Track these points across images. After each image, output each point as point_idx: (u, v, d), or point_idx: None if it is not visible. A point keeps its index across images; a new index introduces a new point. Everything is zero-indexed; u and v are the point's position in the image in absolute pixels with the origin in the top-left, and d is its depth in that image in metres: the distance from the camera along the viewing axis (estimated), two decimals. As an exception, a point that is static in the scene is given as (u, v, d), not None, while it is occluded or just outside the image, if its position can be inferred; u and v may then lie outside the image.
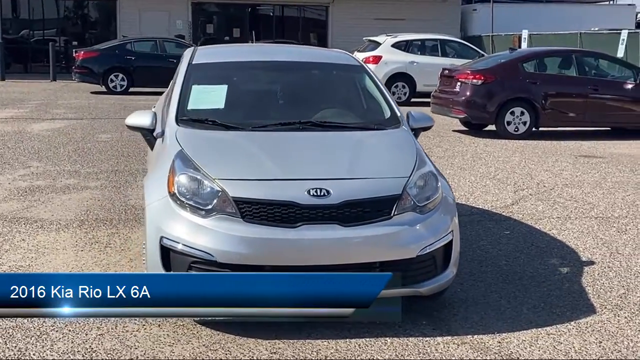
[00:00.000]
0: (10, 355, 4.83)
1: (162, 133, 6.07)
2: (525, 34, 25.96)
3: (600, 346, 5.10)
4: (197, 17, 34.47)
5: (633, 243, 7.57)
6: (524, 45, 25.86)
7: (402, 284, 5.15)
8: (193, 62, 6.59)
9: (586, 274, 6.56)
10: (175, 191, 5.19)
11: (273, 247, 4.97)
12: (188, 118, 5.97)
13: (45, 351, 4.90)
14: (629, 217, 8.69)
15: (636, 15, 39.39)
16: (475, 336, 5.18)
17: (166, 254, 5.16)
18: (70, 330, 5.20)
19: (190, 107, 6.10)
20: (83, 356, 4.85)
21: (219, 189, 5.09)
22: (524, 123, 15.06)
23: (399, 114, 6.27)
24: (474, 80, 15.21)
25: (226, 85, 6.37)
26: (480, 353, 4.92)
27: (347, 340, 5.07)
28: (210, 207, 5.07)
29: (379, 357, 4.85)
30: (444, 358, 4.86)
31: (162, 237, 5.15)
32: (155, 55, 24.33)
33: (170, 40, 25.44)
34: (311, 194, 5.05)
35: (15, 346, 4.96)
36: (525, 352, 4.96)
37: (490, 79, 15.18)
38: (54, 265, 6.61)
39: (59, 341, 5.04)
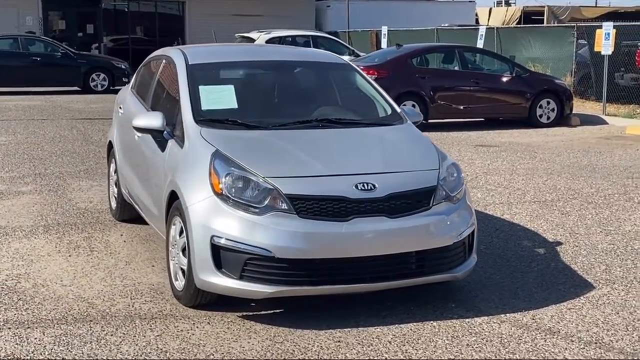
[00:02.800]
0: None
1: (172, 134, 6.08)
2: (384, 30, 26.79)
3: (619, 316, 5.58)
4: (48, 13, 33.29)
5: (581, 224, 8.20)
6: (384, 41, 26.71)
7: (443, 270, 5.49)
8: (190, 63, 6.60)
9: (562, 253, 7.08)
10: (225, 191, 5.26)
11: (328, 241, 5.16)
12: (206, 118, 6.01)
13: (116, 354, 4.87)
14: (562, 200, 9.35)
15: (489, 11, 41.40)
16: (509, 315, 5.54)
17: (217, 252, 5.23)
18: (124, 334, 5.17)
19: (204, 107, 6.13)
20: (157, 356, 4.85)
21: (270, 186, 5.22)
22: (416, 116, 15.65)
23: (399, 110, 6.57)
24: (368, 76, 15.64)
25: (232, 85, 6.44)
26: (525, 330, 5.29)
27: (398, 326, 5.31)
28: (264, 205, 5.18)
29: (437, 339, 5.12)
30: (496, 336, 5.18)
31: (213, 236, 5.22)
32: (15, 53, 23.41)
33: (35, 38, 24.52)
34: (359, 188, 5.26)
35: (82, 352, 4.90)
36: (561, 326, 5.36)
37: (384, 74, 15.71)
38: (54, 271, 6.47)
39: (121, 344, 5.01)
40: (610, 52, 18.35)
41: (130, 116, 7.38)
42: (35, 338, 5.10)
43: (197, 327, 5.30)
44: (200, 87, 6.29)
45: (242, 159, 5.43)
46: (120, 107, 7.97)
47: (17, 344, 5.01)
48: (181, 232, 5.64)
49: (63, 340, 5.07)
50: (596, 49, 19.31)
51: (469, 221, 5.68)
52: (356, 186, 5.27)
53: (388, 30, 26.69)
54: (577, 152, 13.31)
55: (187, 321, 5.39)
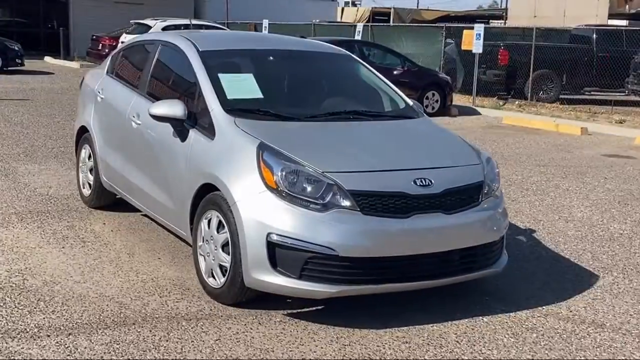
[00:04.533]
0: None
1: (194, 124, 5.20)
2: (265, 23, 25.91)
3: (645, 303, 5.22)
4: None
5: (536, 210, 7.86)
6: (265, 30, 25.83)
7: (488, 265, 4.95)
8: (201, 50, 5.69)
9: (542, 241, 6.68)
10: (280, 186, 4.47)
11: (391, 238, 4.48)
12: (235, 108, 5.16)
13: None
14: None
15: (342, 10, 41.12)
16: (546, 307, 5.06)
17: (272, 249, 4.45)
18: (179, 339, 4.30)
19: (230, 96, 5.26)
20: (233, 366, 4.04)
21: (330, 182, 4.47)
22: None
23: (411, 103, 5.94)
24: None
25: (251, 74, 5.58)
26: (571, 322, 4.82)
27: (453, 323, 4.72)
28: (326, 200, 4.43)
29: (500, 337, 4.56)
30: (553, 331, 4.69)
31: (269, 233, 4.42)
32: None
33: None
34: (417, 183, 4.61)
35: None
36: (602, 318, 4.93)
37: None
38: (56, 265, 5.45)
39: (184, 351, 4.14)
40: (481, 51, 18.38)
41: (118, 102, 6.39)
42: (85, 347, 4.15)
43: (252, 328, 4.50)
44: (220, 75, 5.40)
45: (292, 151, 4.64)
46: (99, 92, 6.87)
47: (67, 355, 4.05)
48: (218, 227, 4.79)
49: (117, 348, 4.15)
50: (464, 47, 19.35)
51: (507, 216, 5.16)
52: (414, 182, 4.60)
53: (269, 23, 25.78)
54: (475, 141, 13.08)
55: (236, 322, 4.57)
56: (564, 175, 9.95)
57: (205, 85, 5.29)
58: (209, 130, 5.07)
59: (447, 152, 5.16)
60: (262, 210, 4.47)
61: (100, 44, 22.86)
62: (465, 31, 19.55)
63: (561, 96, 19.56)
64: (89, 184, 7.05)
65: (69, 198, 7.48)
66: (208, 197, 4.89)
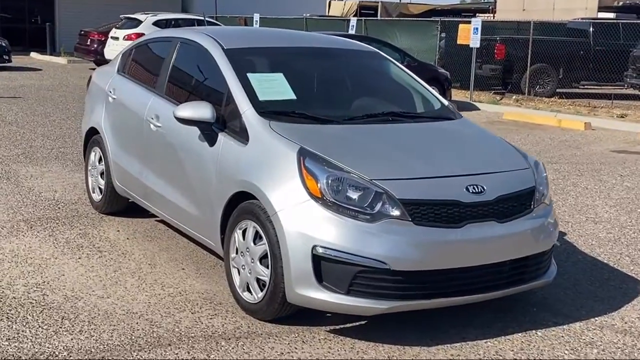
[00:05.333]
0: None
1: (224, 127, 4.88)
2: (256, 17, 25.52)
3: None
4: None
5: (561, 211, 7.58)
6: (256, 25, 25.44)
7: (539, 276, 4.66)
8: (226, 48, 5.35)
9: (588, 249, 6.33)
10: (326, 195, 4.15)
11: (445, 250, 4.18)
12: (267, 111, 4.83)
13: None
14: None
15: (329, 4, 40.69)
16: (599, 318, 4.79)
17: (318, 263, 4.13)
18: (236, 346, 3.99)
19: (261, 98, 4.93)
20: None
21: (380, 190, 4.16)
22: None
23: (446, 103, 5.63)
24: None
25: (281, 73, 5.24)
26: (629, 336, 4.54)
27: (505, 337, 4.44)
28: (375, 210, 4.12)
29: (559, 352, 4.28)
30: (613, 345, 4.41)
31: (315, 246, 4.11)
32: None
33: None
34: (470, 190, 4.31)
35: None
36: (657, 330, 4.67)
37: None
38: (75, 278, 5.11)
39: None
40: (478, 45, 18.13)
41: (133, 103, 6.05)
42: (124, 373, 3.80)
43: (296, 348, 4.19)
44: (249, 75, 5.06)
45: (335, 157, 4.32)
46: (110, 92, 6.51)
47: (104, 382, 3.70)
48: (255, 238, 4.47)
49: (157, 374, 3.80)
50: (459, 41, 19.09)
51: (558, 223, 4.88)
52: (467, 188, 4.30)
53: (260, 17, 25.39)
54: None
55: (279, 341, 4.26)
56: (579, 172, 9.70)
57: (234, 86, 4.96)
58: (241, 135, 4.74)
59: (495, 156, 4.86)
60: (306, 221, 4.15)
61: (89, 39, 22.37)
62: (461, 25, 19.30)
63: (558, 90, 19.35)
64: (100, 188, 6.70)
65: (77, 203, 7.12)
66: (243, 206, 4.57)
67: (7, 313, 4.48)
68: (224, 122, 4.92)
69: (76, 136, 10.79)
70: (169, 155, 5.47)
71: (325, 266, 4.11)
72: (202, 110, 4.88)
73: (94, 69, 22.10)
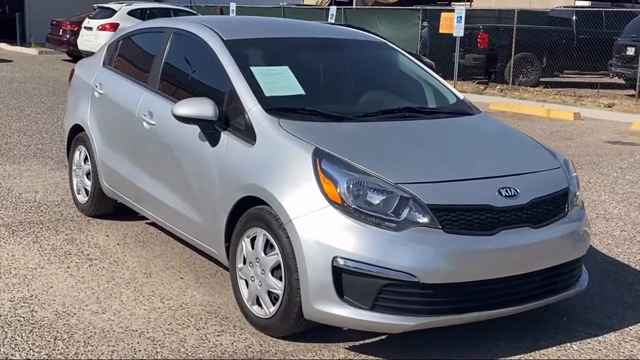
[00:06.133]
0: None
1: (226, 125, 4.48)
2: (233, 5, 24.98)
3: None
4: None
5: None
6: (232, 14, 24.91)
7: (573, 284, 4.33)
8: (226, 39, 4.94)
9: (605, 249, 6.01)
10: (348, 201, 3.78)
11: (478, 260, 3.83)
12: (274, 107, 4.43)
13: None
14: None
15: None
16: (633, 328, 4.47)
17: (339, 276, 3.76)
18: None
19: (267, 93, 4.53)
20: None
21: (406, 195, 3.79)
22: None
23: (461, 97, 5.27)
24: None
25: (287, 67, 4.84)
26: (669, 348, 4.23)
27: (540, 352, 4.10)
28: (402, 217, 3.75)
29: (595, 368, 3.96)
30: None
31: (335, 257, 3.73)
32: None
33: None
34: (503, 194, 3.95)
35: None
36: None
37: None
38: (65, 291, 4.69)
39: None
40: (462, 34, 17.83)
41: (122, 99, 5.63)
42: (127, 403, 3.40)
43: (318, 369, 3.80)
44: (253, 69, 4.66)
45: (355, 159, 3.94)
46: (96, 87, 6.07)
47: (107, 415, 3.30)
48: (265, 248, 4.08)
49: (166, 403, 3.41)
50: (442, 30, 18.78)
51: (590, 226, 4.55)
52: (499, 192, 3.94)
53: (236, 6, 24.85)
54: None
55: (296, 360, 3.87)
56: (579, 165, 9.41)
57: (237, 81, 4.56)
58: (247, 134, 4.34)
59: (524, 155, 4.51)
60: (326, 230, 3.77)
61: (61, 30, 21.72)
62: (443, 14, 19.00)
63: (541, 80, 19.12)
64: (86, 189, 6.26)
65: (60, 205, 6.67)
66: (251, 212, 4.18)
67: (-7, 334, 4.05)
68: (226, 120, 4.53)
69: (54, 132, 10.30)
70: (164, 155, 5.05)
71: (346, 279, 3.74)
72: (203, 108, 4.47)
73: (66, 60, 21.58)
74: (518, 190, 3.99)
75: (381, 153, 4.11)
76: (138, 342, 4.01)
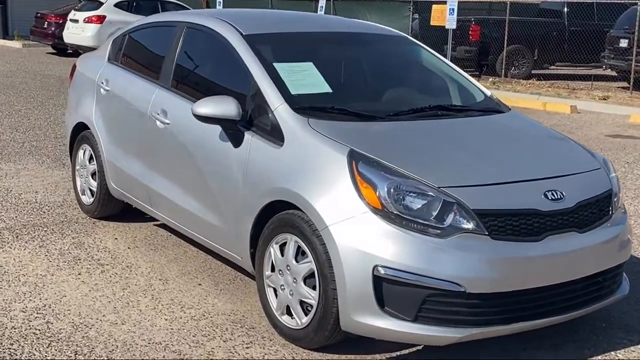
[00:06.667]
0: None
1: (250, 125, 4.25)
2: (219, -3, 24.64)
3: None
4: None
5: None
6: (219, 7, 24.58)
7: (615, 290, 4.15)
8: (245, 34, 4.70)
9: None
10: (389, 206, 3.57)
11: (525, 267, 3.64)
12: (304, 106, 4.20)
13: None
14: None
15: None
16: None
17: (379, 285, 3.55)
18: None
19: (294, 91, 4.30)
20: None
21: (450, 199, 3.58)
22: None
23: (489, 93, 5.07)
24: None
25: (311, 63, 4.60)
26: None
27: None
28: (446, 223, 3.54)
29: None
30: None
31: (376, 266, 3.52)
32: None
33: None
34: (549, 197, 3.76)
35: None
36: None
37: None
38: (80, 300, 4.45)
39: None
40: (454, 26, 17.65)
41: (132, 96, 5.39)
42: None
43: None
44: (276, 65, 4.43)
45: (393, 161, 3.72)
46: (102, 83, 5.81)
47: None
48: (297, 254, 3.87)
49: None
50: (433, 22, 18.58)
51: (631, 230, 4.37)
52: (545, 195, 3.75)
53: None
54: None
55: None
56: (585, 160, 9.23)
57: (261, 79, 4.32)
58: (274, 135, 4.11)
59: (564, 155, 4.33)
60: (365, 237, 3.56)
61: (46, 22, 21.31)
62: (434, 6, 18.79)
63: (532, 72, 19.01)
64: (91, 190, 6.00)
65: (62, 206, 6.41)
66: (281, 217, 3.96)
67: (9, 349, 3.81)
68: (249, 120, 4.30)
69: (47, 128, 10.01)
70: (180, 156, 4.81)
71: (387, 289, 3.53)
72: (226, 107, 4.24)
73: (51, 53, 21.18)
74: (564, 193, 3.79)
75: (419, 155, 3.91)
76: (164, 357, 3.78)
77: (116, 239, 5.62)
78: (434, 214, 3.55)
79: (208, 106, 4.27)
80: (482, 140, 4.27)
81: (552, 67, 19.91)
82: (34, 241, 5.48)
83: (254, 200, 4.14)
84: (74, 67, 6.54)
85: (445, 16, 17.97)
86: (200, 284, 4.78)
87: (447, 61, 5.21)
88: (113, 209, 5.96)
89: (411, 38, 5.45)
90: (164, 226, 5.78)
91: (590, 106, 14.50)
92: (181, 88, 4.97)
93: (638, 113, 13.28)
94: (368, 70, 5.01)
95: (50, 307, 4.34)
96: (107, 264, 5.08)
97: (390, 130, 4.16)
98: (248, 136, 4.25)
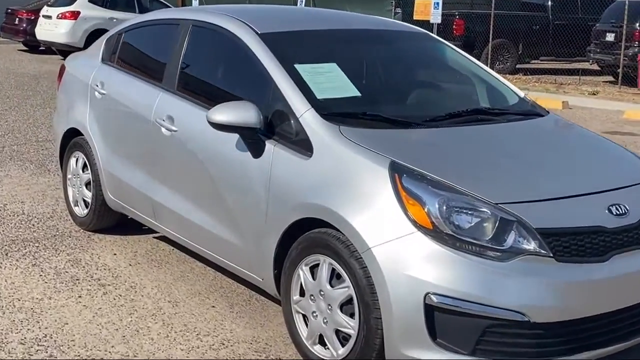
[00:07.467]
0: None
1: (271, 133, 3.84)
2: (197, -8, 24.08)
3: None
4: None
5: None
6: (195, 3, 24.04)
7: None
8: (260, 32, 4.28)
9: None
10: (441, 225, 3.19)
11: (592, 291, 3.29)
12: (332, 112, 3.80)
13: None
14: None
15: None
16: None
17: (431, 315, 3.17)
18: None
19: (320, 96, 3.89)
20: None
21: (511, 217, 3.20)
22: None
23: (522, 94, 4.70)
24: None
25: (334, 63, 4.19)
26: None
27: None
28: (507, 245, 3.17)
29: None
30: None
31: (428, 293, 3.14)
32: None
33: None
34: (613, 212, 3.40)
35: None
36: None
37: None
38: (83, 328, 4.03)
39: None
40: (439, 21, 17.33)
41: (132, 100, 4.97)
42: None
43: None
44: (298, 67, 4.02)
45: (439, 174, 3.34)
46: (96, 86, 5.35)
47: None
48: (331, 278, 3.47)
49: None
50: (416, 17, 18.22)
51: None
52: (609, 210, 3.39)
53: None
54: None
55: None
56: (590, 159, 8.94)
57: (283, 82, 3.92)
58: (300, 144, 3.71)
59: (619, 164, 3.98)
60: (414, 261, 3.18)
61: (17, 18, 20.59)
62: (417, 0, 18.44)
63: (517, 66, 18.76)
64: (85, 201, 5.55)
65: (52, 217, 5.95)
66: (312, 236, 3.56)
67: (11, 390, 3.36)
68: (270, 127, 3.88)
69: (27, 130, 9.49)
70: (190, 166, 4.39)
71: (441, 319, 3.16)
72: (245, 113, 3.82)
73: (23, 50, 20.50)
74: (627, 207, 3.44)
75: (468, 166, 3.53)
76: (187, 396, 3.36)
77: (115, 254, 5.18)
78: (493, 233, 3.17)
79: (225, 113, 3.85)
80: (531, 148, 3.90)
81: (535, 61, 19.66)
82: (25, 259, 5.02)
83: (279, 216, 3.73)
84: (63, 68, 6.07)
85: (428, 10, 17.65)
86: (213, 306, 4.37)
87: (474, 59, 4.84)
88: (109, 221, 5.52)
89: (433, 35, 5.05)
90: (164, 239, 5.36)
91: (580, 102, 14.26)
92: (189, 92, 4.55)
93: (631, 109, 13.07)
94: (394, 70, 4.63)
95: (51, 338, 3.90)
96: (108, 284, 4.64)
97: (430, 138, 3.77)
98: (270, 146, 3.84)
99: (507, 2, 19.80)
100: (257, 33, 4.27)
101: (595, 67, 18.28)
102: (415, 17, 18.22)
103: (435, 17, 17.28)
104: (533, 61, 19.62)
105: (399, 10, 19.80)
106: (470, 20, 18.66)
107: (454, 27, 18.68)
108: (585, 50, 17.51)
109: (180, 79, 4.65)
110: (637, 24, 15.83)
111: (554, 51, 18.87)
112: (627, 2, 15.37)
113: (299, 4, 20.67)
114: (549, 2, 19.05)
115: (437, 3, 17.32)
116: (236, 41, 4.31)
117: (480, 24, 18.28)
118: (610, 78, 17.33)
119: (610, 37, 16.70)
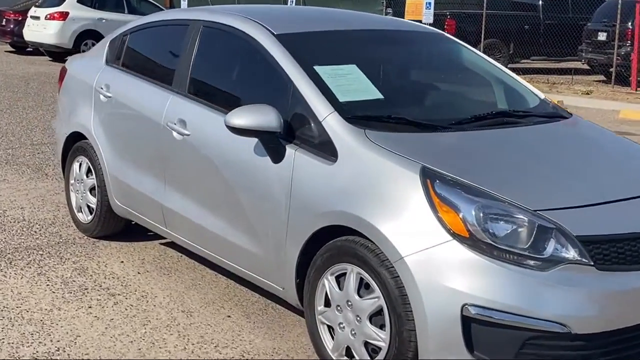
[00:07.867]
0: None
1: (291, 138, 3.70)
2: (184, -8, 23.87)
3: None
4: None
5: None
6: (184, 4, 23.84)
7: None
8: (277, 33, 4.14)
9: None
10: (478, 233, 3.06)
11: (632, 300, 3.17)
12: (356, 116, 3.66)
13: None
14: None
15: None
16: None
17: (468, 326, 3.04)
18: None
19: (342, 99, 3.75)
20: None
21: (550, 225, 3.08)
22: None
23: (542, 96, 4.59)
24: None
25: (354, 65, 4.05)
26: None
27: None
28: (547, 253, 3.05)
29: None
30: None
31: (465, 305, 3.01)
32: None
33: None
34: None
35: None
36: None
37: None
38: (97, 340, 3.88)
39: None
40: (432, 21, 17.23)
41: (141, 104, 4.81)
42: None
43: None
44: (317, 69, 3.88)
45: (473, 179, 3.21)
46: (101, 89, 5.19)
47: None
48: (359, 288, 3.33)
49: None
50: (408, 17, 18.12)
51: None
52: None
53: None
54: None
55: None
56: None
57: (303, 85, 3.77)
58: (323, 149, 3.57)
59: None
60: (449, 271, 3.05)
61: (4, 19, 20.29)
62: (408, 0, 18.39)
63: (508, 66, 18.68)
64: (89, 207, 5.38)
65: (54, 224, 5.77)
66: (338, 244, 3.43)
67: (27, 409, 3.19)
68: (290, 131, 3.74)
69: (21, 133, 9.28)
70: (204, 171, 4.24)
71: (478, 331, 3.03)
72: (265, 117, 3.68)
73: (10, 52, 20.21)
74: (663, 213, 3.32)
75: (499, 171, 3.41)
76: (211, 413, 3.21)
77: (122, 262, 5.02)
78: (531, 241, 3.05)
79: (245, 117, 3.71)
80: (561, 152, 3.78)
81: (525, 60, 19.62)
82: (30, 267, 4.85)
83: (301, 223, 3.59)
84: (64, 70, 5.89)
85: (419, 10, 17.61)
86: (229, 316, 4.22)
87: (492, 60, 4.71)
88: (115, 227, 5.36)
89: (449, 35, 4.93)
90: (171, 245, 5.21)
91: (575, 101, 14.20)
92: (202, 95, 4.40)
93: (626, 108, 13.03)
94: (413, 72, 4.50)
95: (64, 351, 3.74)
96: (118, 294, 4.48)
97: (459, 142, 3.65)
98: (290, 150, 3.69)
99: (498, 2, 19.74)
100: (273, 34, 4.12)
101: (586, 66, 18.25)
102: (406, 17, 18.12)
103: (428, 17, 17.21)
104: (524, 61, 19.59)
105: (389, 10, 19.70)
106: (461, 20, 18.59)
107: (445, 27, 18.56)
108: (576, 50, 17.47)
109: (192, 82, 4.50)
110: (630, 23, 15.79)
111: (545, 51, 18.85)
112: (620, 2, 15.33)
113: (289, 3, 20.49)
114: (540, 2, 19.03)
115: (429, 3, 17.28)
116: (251, 43, 4.17)
117: (471, 23, 18.23)
118: (602, 77, 17.30)
119: (602, 36, 16.67)
